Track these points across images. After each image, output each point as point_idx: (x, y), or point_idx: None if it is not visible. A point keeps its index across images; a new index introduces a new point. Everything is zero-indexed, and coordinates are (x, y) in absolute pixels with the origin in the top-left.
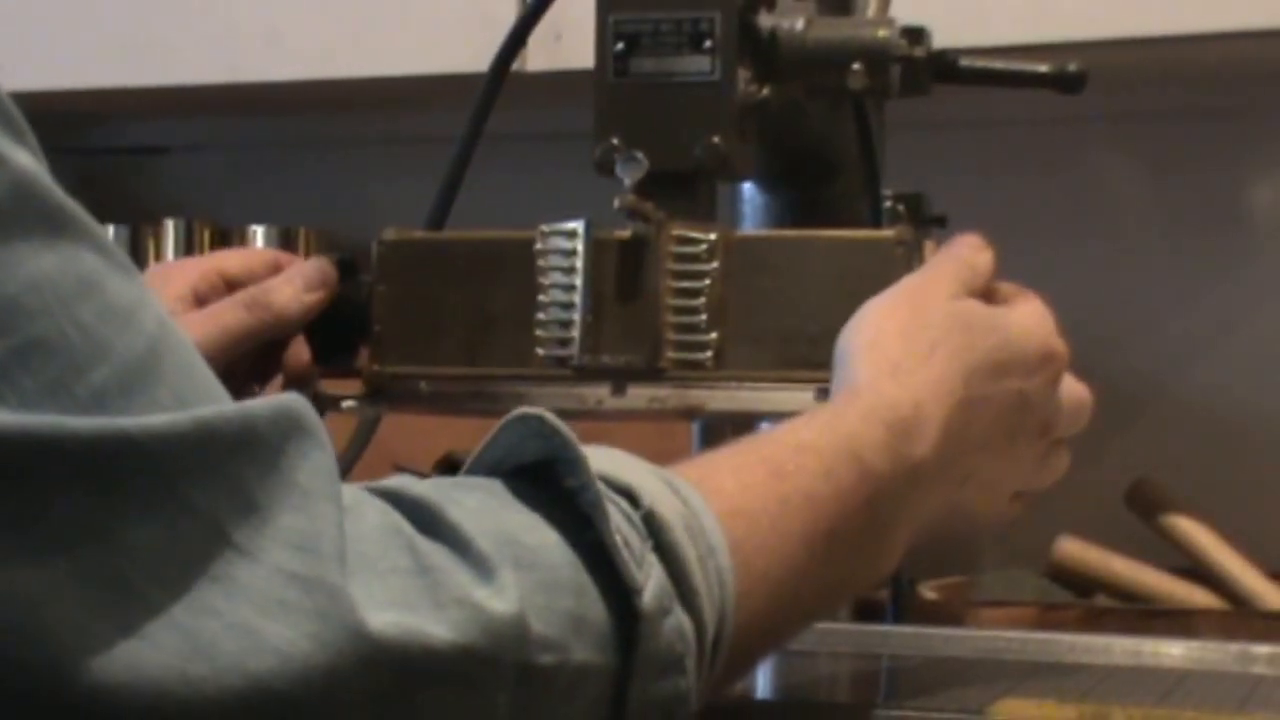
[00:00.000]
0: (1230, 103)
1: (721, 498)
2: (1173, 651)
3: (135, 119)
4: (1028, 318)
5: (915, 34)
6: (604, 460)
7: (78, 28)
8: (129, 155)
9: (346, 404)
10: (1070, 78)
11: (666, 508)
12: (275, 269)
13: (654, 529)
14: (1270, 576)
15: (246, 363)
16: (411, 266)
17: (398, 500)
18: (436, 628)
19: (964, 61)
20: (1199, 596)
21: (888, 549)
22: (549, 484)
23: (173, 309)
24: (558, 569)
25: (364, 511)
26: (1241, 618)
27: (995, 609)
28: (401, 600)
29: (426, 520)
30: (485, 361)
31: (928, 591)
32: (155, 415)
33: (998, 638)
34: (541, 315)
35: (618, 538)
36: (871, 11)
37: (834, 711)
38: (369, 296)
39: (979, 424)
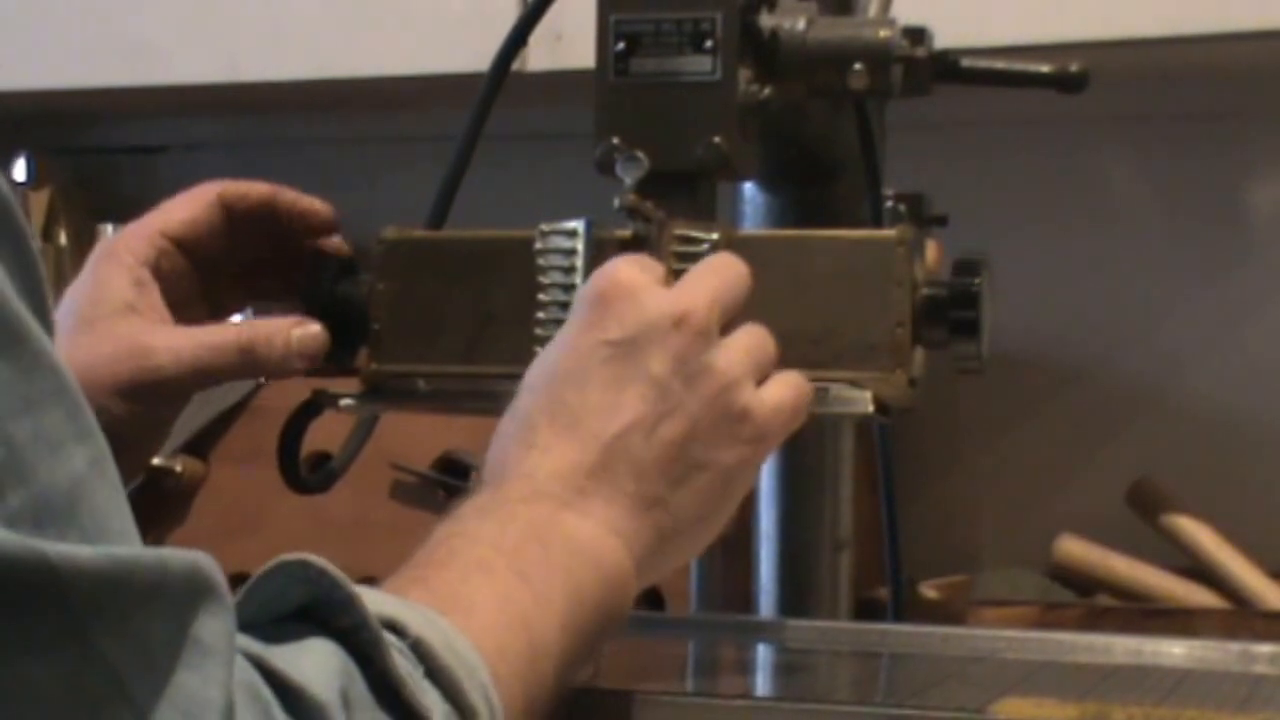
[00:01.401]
0: (1232, 104)
1: (469, 615)
2: (1174, 651)
3: (134, 118)
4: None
5: (917, 34)
6: (366, 597)
7: (76, 27)
8: (127, 154)
9: (345, 402)
10: (1072, 78)
11: (430, 633)
12: (219, 209)
13: (423, 656)
14: (1271, 576)
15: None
16: (411, 265)
17: (258, 663)
18: None
19: (965, 62)
20: (1200, 596)
21: (623, 613)
22: (322, 625)
23: (133, 296)
24: (373, 711)
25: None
26: (1242, 617)
27: (996, 608)
28: None
29: (281, 689)
30: (484, 360)
31: (928, 590)
32: (76, 547)
33: (998, 637)
34: (541, 314)
35: (400, 671)
36: (873, 12)
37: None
38: (368, 295)
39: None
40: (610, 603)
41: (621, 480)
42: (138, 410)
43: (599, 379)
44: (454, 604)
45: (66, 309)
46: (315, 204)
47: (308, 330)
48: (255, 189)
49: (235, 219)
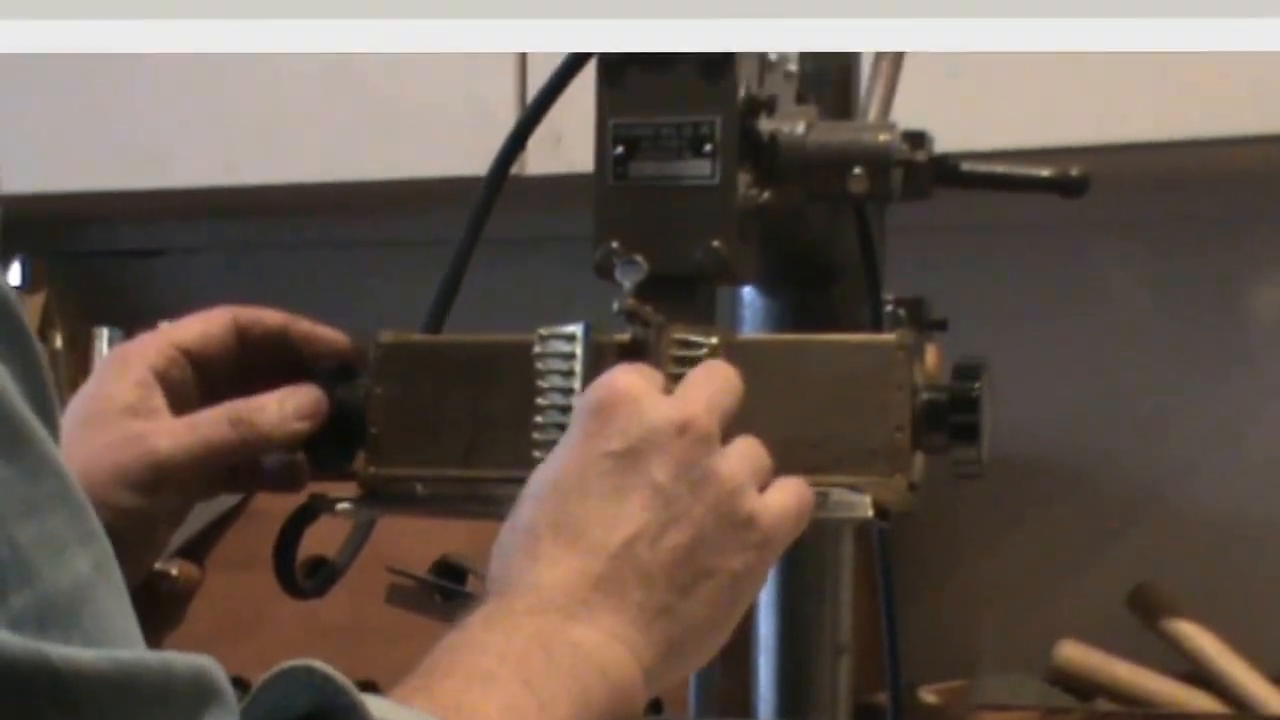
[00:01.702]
0: (1232, 208)
1: None
2: None
3: (131, 221)
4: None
5: (917, 138)
6: (370, 705)
7: (74, 130)
8: (124, 257)
9: (341, 506)
10: (1072, 182)
11: None
12: (232, 331)
13: None
14: (1273, 681)
15: (222, 473)
16: (409, 369)
17: None
18: None
19: (965, 166)
20: (1201, 701)
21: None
22: None
23: (136, 398)
24: None
25: None
26: None
27: (996, 713)
28: None
29: None
30: (482, 464)
31: (928, 695)
32: (80, 650)
33: None
34: (540, 419)
35: None
36: (872, 115)
37: None
38: (365, 399)
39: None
40: (618, 712)
41: (628, 590)
42: (142, 503)
43: (602, 489)
44: (458, 713)
45: (71, 411)
46: (330, 335)
47: (298, 390)
48: (270, 317)
49: (247, 342)
